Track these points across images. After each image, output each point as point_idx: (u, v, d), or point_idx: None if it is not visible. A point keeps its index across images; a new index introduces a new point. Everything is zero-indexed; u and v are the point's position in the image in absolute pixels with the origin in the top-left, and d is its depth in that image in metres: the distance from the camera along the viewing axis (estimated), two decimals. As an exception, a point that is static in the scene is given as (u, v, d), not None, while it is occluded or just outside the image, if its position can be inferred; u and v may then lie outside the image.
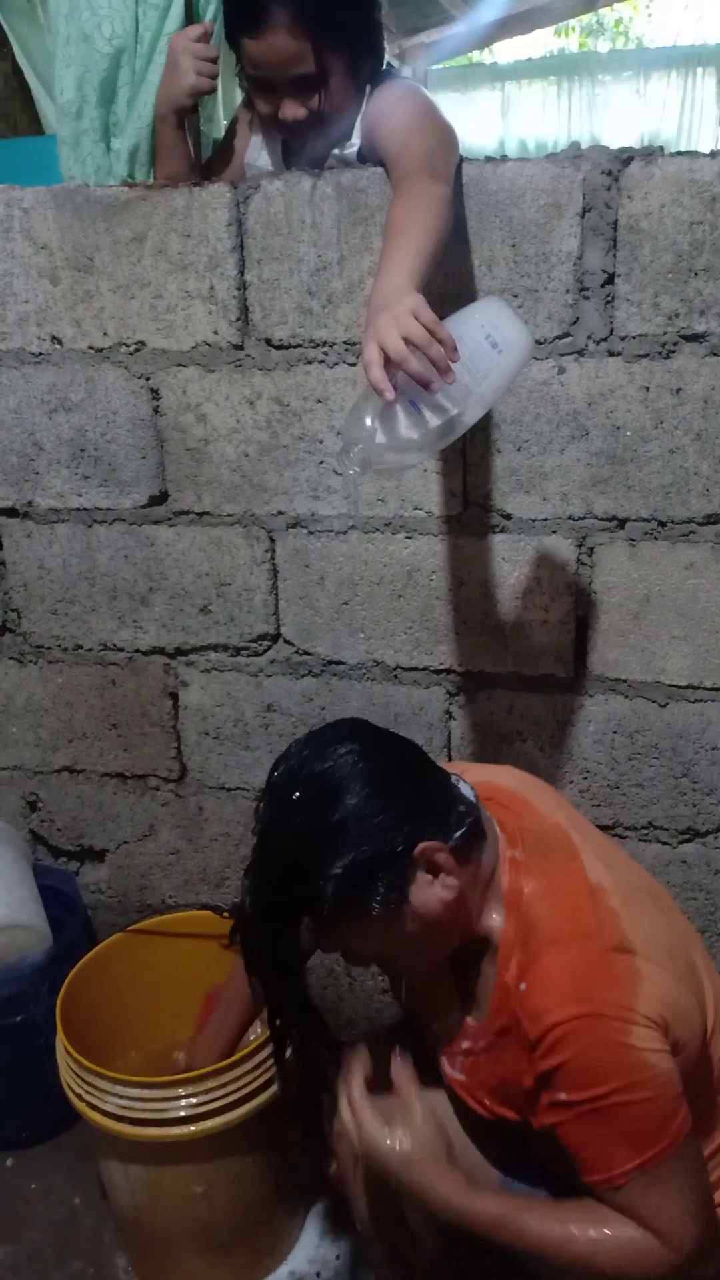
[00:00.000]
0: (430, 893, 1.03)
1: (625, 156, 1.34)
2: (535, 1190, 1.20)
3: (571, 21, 8.04)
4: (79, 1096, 1.39)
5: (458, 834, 1.04)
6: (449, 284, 1.42)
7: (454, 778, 1.13)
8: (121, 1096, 1.34)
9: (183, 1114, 1.33)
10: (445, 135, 1.36)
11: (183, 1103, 1.33)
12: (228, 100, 2.02)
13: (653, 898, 1.15)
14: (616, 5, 7.90)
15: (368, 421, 1.11)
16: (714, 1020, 1.11)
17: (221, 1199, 1.45)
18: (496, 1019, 1.08)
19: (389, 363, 1.07)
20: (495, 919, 1.08)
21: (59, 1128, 1.79)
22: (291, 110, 1.44)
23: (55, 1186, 1.74)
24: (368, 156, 1.47)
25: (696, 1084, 1.07)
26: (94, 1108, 1.37)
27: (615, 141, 1.40)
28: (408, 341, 1.06)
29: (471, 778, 1.20)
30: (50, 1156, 1.78)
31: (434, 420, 1.11)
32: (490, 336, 1.14)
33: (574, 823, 1.17)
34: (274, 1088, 1.39)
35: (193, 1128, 1.34)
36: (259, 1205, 1.51)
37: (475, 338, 1.14)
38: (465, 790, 1.11)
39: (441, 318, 1.09)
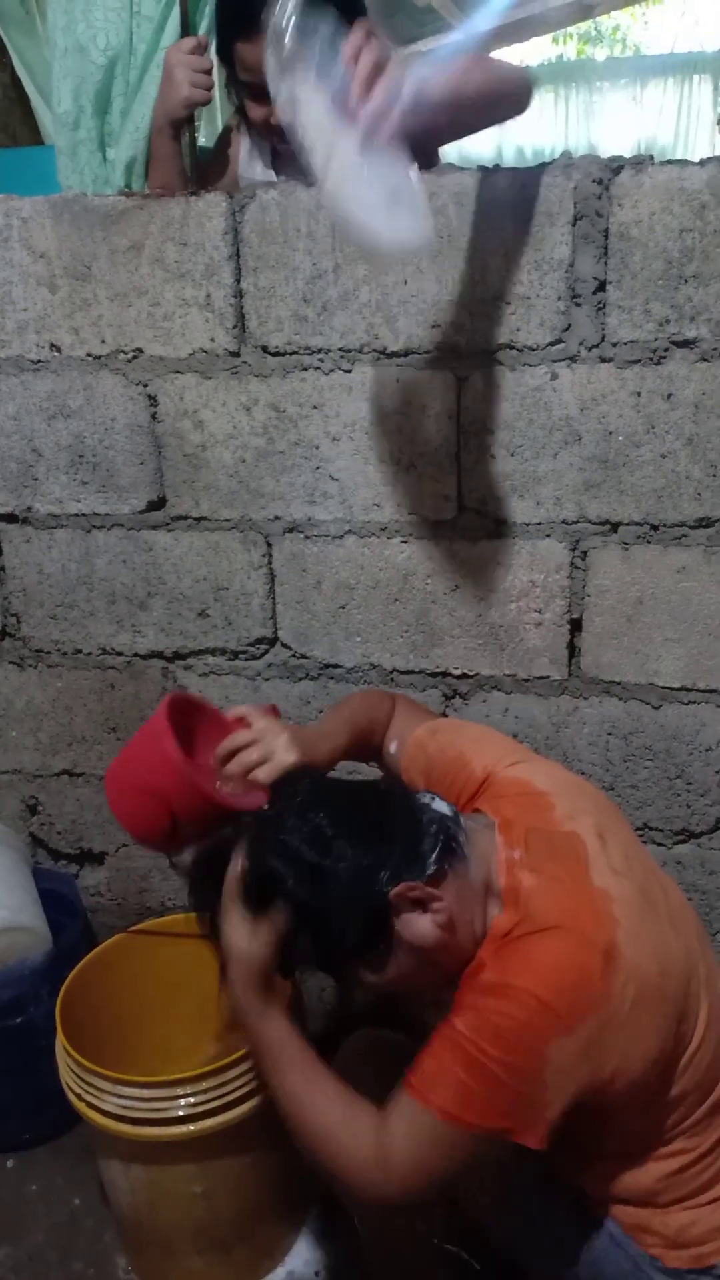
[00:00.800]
0: (422, 924, 1.06)
1: (616, 165, 1.35)
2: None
3: (569, 29, 8.07)
4: (79, 1096, 1.40)
5: (431, 860, 1.06)
6: (441, 290, 1.44)
7: (425, 796, 1.14)
8: (121, 1096, 1.35)
9: (181, 1114, 1.34)
10: None
11: (181, 1102, 1.34)
12: (225, 112, 2.04)
13: (665, 912, 1.14)
14: (614, 13, 7.94)
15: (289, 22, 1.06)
16: (701, 1042, 1.10)
17: (221, 1199, 1.46)
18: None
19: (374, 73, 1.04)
20: (495, 913, 1.09)
21: (59, 1129, 1.81)
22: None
23: (56, 1188, 1.75)
24: None
25: (649, 1105, 1.08)
26: (93, 1107, 1.38)
27: (612, 149, 1.43)
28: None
29: (509, 773, 1.22)
30: (51, 1158, 1.79)
31: (316, 120, 1.07)
32: (398, 198, 1.09)
33: (601, 827, 1.15)
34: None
35: (191, 1127, 1.35)
36: (258, 1205, 1.52)
37: (396, 178, 1.09)
38: (439, 807, 1.12)
39: None
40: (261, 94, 1.46)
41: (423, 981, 1.13)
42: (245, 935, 1.10)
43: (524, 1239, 1.21)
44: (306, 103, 1.08)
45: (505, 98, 1.29)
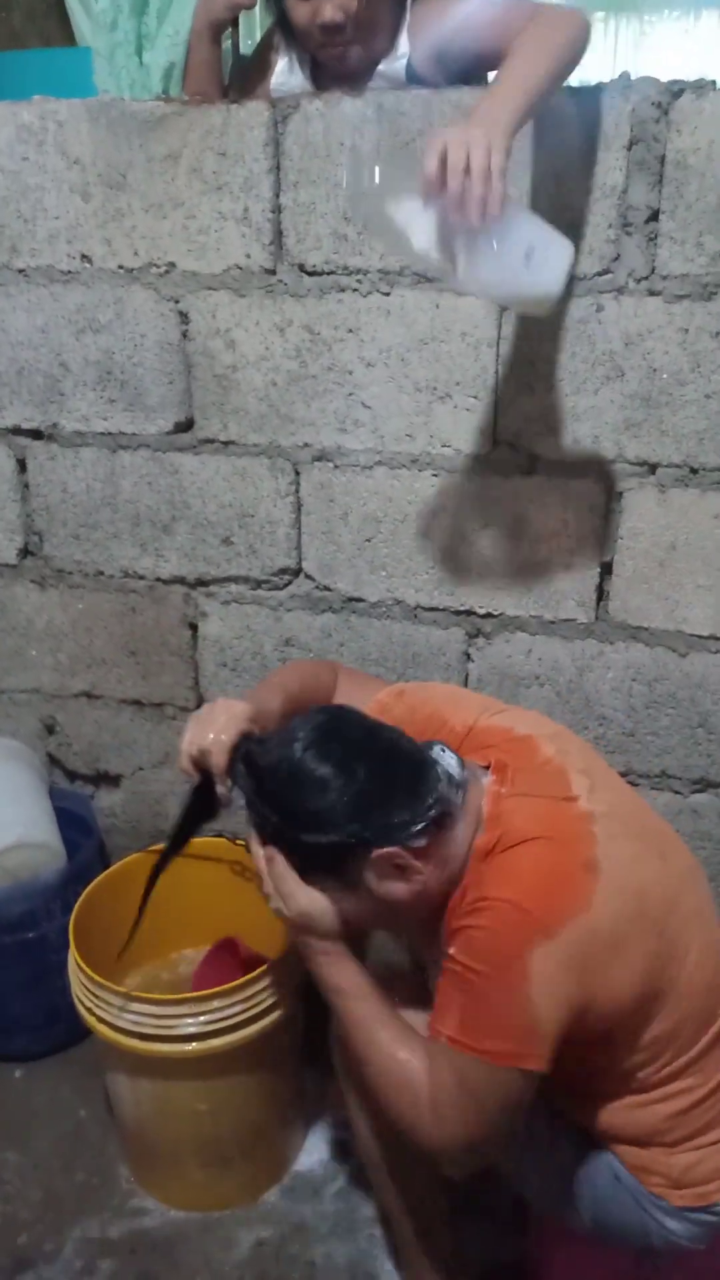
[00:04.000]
0: (394, 885, 1.08)
1: (677, 89, 1.29)
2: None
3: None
4: (89, 1010, 1.42)
5: (418, 829, 1.06)
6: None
7: (437, 750, 1.12)
8: (130, 1012, 1.37)
9: (189, 1032, 1.36)
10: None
11: (189, 1021, 1.36)
12: (265, 20, 1.96)
13: (655, 839, 1.16)
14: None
15: (377, 179, 1.15)
16: (693, 972, 1.10)
17: (224, 1116, 1.49)
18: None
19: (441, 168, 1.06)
20: (478, 838, 1.09)
21: (67, 1043, 1.84)
22: (331, 11, 1.40)
23: (63, 1099, 1.78)
24: (419, 70, 1.44)
25: (638, 1035, 1.08)
26: (103, 1022, 1.40)
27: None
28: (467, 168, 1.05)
29: (490, 722, 1.23)
30: (58, 1070, 1.83)
31: (431, 237, 1.09)
32: (532, 252, 1.13)
33: (587, 764, 1.17)
34: (280, 1010, 1.41)
35: (198, 1045, 1.37)
36: (261, 1123, 1.55)
37: (522, 235, 1.13)
38: (447, 762, 1.11)
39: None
40: None
41: (388, 921, 1.18)
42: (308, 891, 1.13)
43: (529, 1170, 1.22)
44: (413, 225, 1.10)
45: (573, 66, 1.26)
